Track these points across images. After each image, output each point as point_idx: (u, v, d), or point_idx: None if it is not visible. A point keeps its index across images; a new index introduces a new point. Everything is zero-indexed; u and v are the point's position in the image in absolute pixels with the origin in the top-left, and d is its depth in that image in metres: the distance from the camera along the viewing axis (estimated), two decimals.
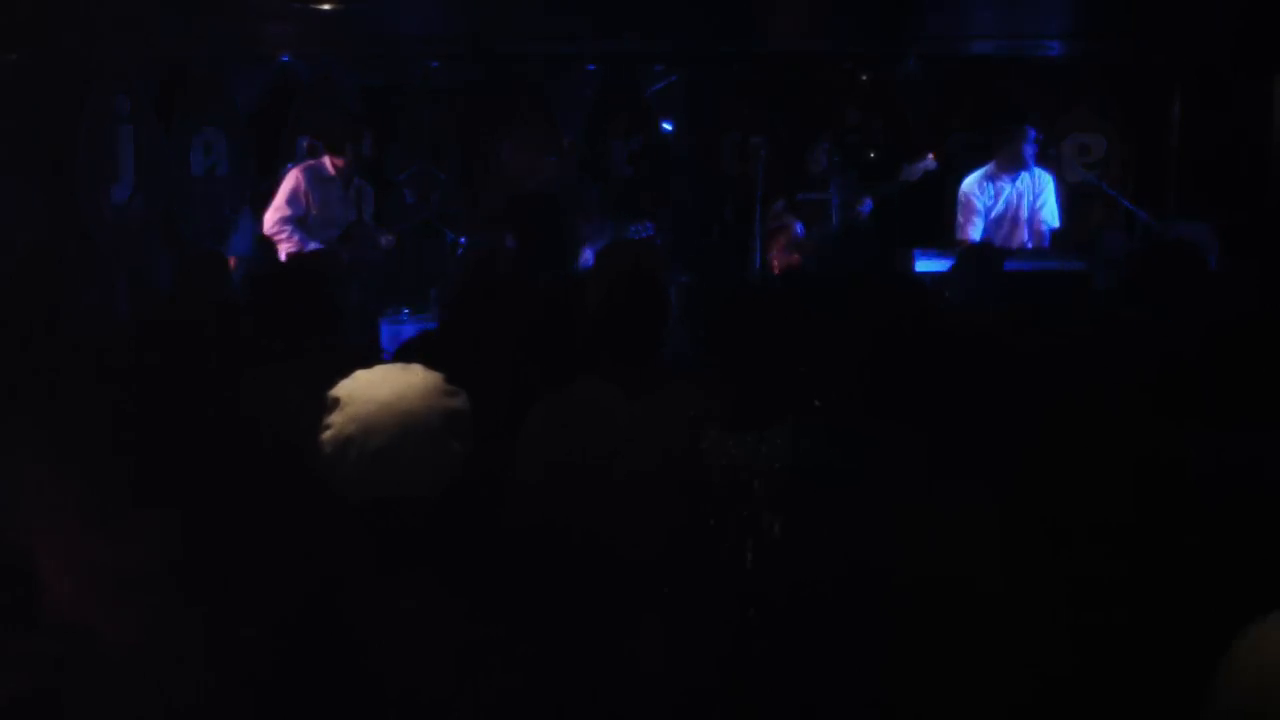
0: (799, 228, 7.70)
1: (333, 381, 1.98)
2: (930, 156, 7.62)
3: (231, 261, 6.29)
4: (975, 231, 7.21)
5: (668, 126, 8.98)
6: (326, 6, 6.31)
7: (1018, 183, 7.24)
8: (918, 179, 7.67)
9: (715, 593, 2.54)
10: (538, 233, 5.14)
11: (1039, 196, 7.28)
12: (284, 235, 7.02)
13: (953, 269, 5.72)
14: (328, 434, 1.93)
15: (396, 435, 1.89)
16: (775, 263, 7.60)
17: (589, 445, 3.10)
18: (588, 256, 7.12)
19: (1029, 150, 7.15)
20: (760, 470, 2.61)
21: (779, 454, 2.61)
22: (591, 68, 8.87)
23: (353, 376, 1.99)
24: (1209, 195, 7.71)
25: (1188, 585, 2.08)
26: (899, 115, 8.81)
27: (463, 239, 7.78)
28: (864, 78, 8.73)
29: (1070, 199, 8.04)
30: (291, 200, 7.07)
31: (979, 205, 7.23)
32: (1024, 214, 7.26)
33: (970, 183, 7.27)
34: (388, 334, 7.23)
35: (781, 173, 7.99)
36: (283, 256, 6.98)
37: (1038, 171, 7.30)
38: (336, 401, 1.95)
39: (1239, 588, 1.98)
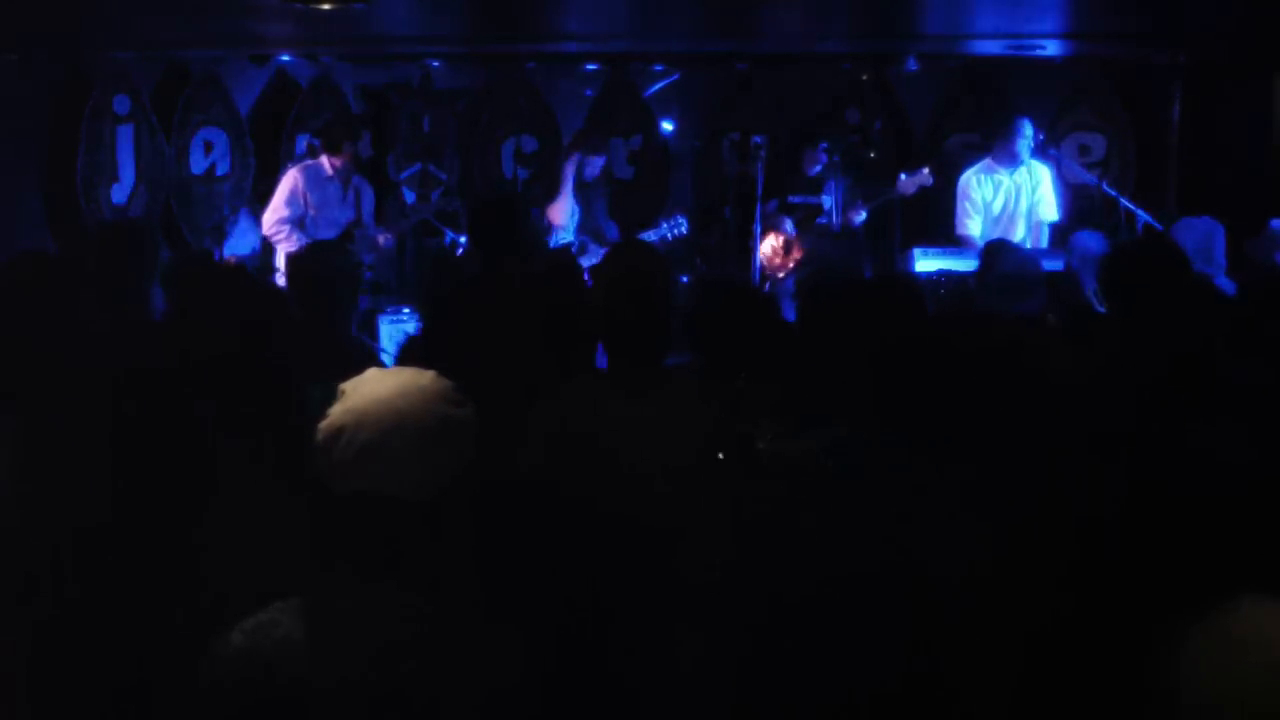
0: (788, 227, 7.68)
1: None
2: (926, 171, 7.57)
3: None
4: (975, 226, 7.21)
5: (668, 126, 8.98)
6: (326, 6, 6.31)
7: (1015, 177, 7.24)
8: (912, 194, 7.64)
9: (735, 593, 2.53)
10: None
11: (1036, 190, 7.29)
12: (283, 236, 7.03)
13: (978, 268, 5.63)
14: (325, 422, 1.96)
15: (387, 432, 1.91)
16: (764, 262, 7.57)
17: (591, 444, 3.10)
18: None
19: (1025, 145, 7.15)
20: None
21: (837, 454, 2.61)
22: (592, 68, 8.86)
23: (365, 372, 2.03)
24: (1209, 195, 7.71)
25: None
26: (899, 116, 8.81)
27: (462, 238, 7.78)
28: (864, 78, 8.72)
29: (1070, 199, 8.04)
30: (290, 201, 7.08)
31: (978, 199, 7.23)
32: (1022, 208, 7.27)
33: (969, 176, 7.29)
34: (387, 334, 7.23)
35: (781, 173, 7.99)
36: (281, 257, 6.99)
37: (1035, 164, 7.30)
38: (342, 393, 1.99)
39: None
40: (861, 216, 7.64)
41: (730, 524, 2.64)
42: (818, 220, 7.63)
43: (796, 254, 7.61)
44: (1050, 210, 7.31)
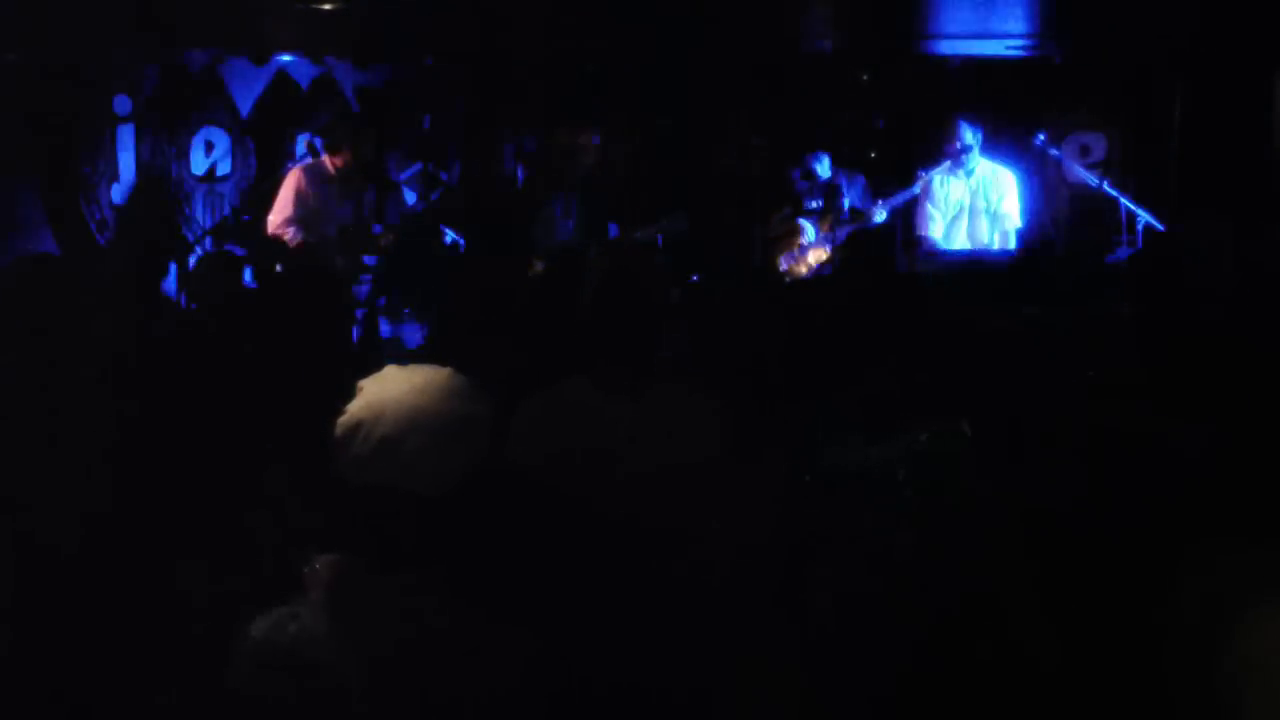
0: (807, 233, 7.66)
1: None
2: (949, 165, 7.58)
3: None
4: (930, 224, 7.50)
5: (668, 127, 8.97)
6: (327, 6, 6.33)
7: (971, 179, 7.46)
8: None
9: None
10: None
11: (1001, 195, 7.48)
12: (286, 236, 7.04)
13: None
14: (342, 418, 1.98)
15: (403, 427, 1.93)
16: (784, 267, 7.56)
17: (580, 445, 3.09)
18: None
19: (964, 148, 7.38)
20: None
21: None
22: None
23: (384, 369, 2.06)
24: (1209, 195, 7.72)
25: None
26: (899, 116, 8.80)
27: (462, 239, 7.77)
28: (864, 78, 8.72)
29: (1071, 200, 8.08)
30: (294, 200, 7.09)
31: (932, 198, 7.52)
32: (981, 208, 7.47)
33: (932, 176, 7.53)
34: (387, 334, 7.22)
35: (782, 173, 7.97)
36: None
37: (1000, 169, 7.52)
38: (360, 389, 2.02)
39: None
40: (881, 216, 7.59)
41: (729, 525, 2.65)
42: (837, 221, 7.60)
43: (818, 256, 7.60)
44: (1014, 217, 7.50)
